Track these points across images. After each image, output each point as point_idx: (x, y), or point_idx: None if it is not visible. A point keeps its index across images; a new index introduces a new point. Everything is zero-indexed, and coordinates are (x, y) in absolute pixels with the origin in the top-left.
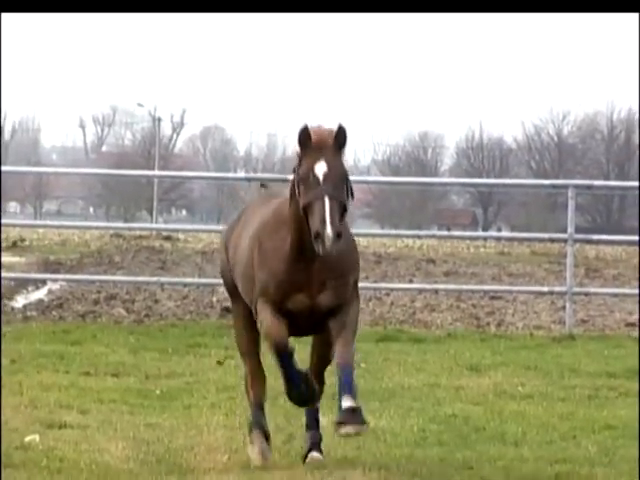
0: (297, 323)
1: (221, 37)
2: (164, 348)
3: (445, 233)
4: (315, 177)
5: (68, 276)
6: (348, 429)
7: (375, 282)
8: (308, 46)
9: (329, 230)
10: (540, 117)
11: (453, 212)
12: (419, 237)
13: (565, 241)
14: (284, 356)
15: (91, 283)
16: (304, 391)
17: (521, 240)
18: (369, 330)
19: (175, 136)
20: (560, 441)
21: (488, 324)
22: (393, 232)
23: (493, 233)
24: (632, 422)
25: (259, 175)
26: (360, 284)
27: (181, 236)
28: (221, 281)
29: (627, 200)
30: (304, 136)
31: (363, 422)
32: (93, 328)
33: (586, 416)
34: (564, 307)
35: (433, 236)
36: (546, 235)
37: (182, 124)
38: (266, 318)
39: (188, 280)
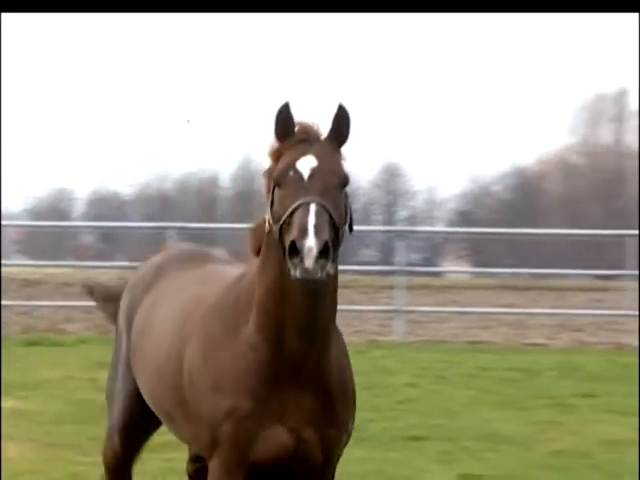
0: None
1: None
2: None
3: (80, 263)
4: (297, 173)
5: None
6: None
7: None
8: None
9: (311, 239)
10: (149, 174)
11: (84, 247)
12: (59, 266)
13: None
14: None
15: None
16: None
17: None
18: (21, 336)
19: None
20: None
21: None
22: (39, 262)
23: (116, 263)
24: None
25: None
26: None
27: None
28: None
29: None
30: (283, 120)
31: None
32: None
33: None
34: None
35: (71, 265)
36: None
37: None
38: None
39: None
